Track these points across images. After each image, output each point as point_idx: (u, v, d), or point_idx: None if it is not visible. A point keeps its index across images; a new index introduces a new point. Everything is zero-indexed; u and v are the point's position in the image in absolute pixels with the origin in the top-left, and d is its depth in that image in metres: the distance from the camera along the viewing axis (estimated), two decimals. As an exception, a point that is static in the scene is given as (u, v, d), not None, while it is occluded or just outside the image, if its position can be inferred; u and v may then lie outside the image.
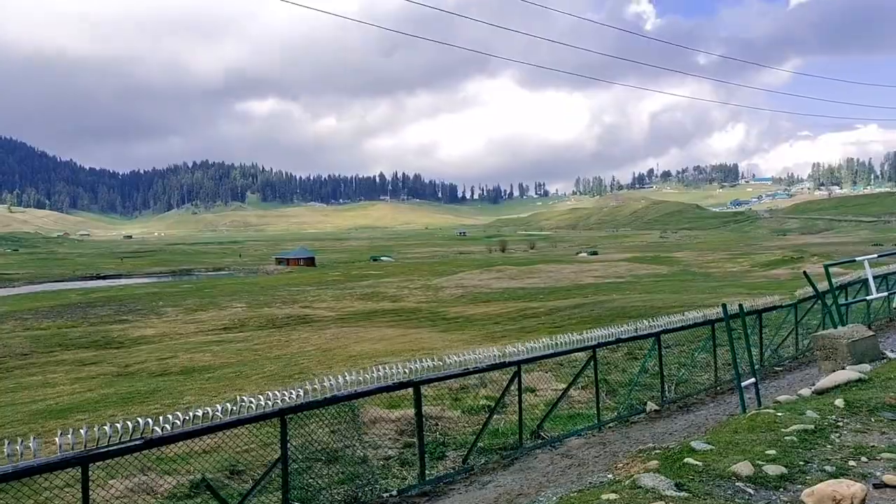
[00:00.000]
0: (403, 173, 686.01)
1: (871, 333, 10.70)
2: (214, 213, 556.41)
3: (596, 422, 11.62)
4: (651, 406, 12.34)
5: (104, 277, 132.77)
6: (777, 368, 15.84)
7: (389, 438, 13.65)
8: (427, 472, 9.88)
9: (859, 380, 7.78)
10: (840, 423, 5.92)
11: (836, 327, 10.51)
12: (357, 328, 38.71)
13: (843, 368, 9.29)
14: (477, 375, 16.14)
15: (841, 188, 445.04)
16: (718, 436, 5.49)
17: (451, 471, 9.54)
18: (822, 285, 14.48)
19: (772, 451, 5.12)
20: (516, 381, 10.87)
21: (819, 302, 13.81)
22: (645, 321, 14.50)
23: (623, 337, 12.38)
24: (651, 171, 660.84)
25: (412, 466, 11.04)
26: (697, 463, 4.86)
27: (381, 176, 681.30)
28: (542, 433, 11.32)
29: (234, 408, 7.75)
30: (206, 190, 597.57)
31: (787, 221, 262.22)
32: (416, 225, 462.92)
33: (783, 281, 58.48)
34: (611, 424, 11.83)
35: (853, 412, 6.27)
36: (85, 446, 6.23)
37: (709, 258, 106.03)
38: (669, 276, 76.86)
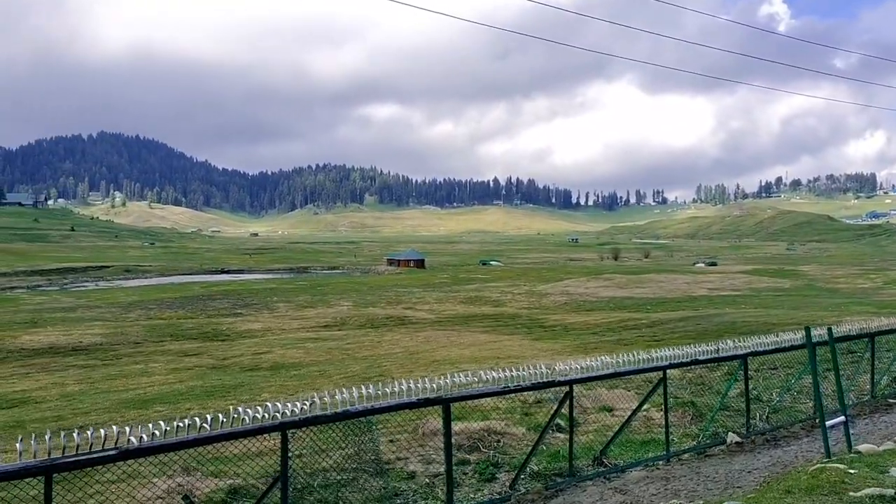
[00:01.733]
0: (517, 178, 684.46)
1: None
2: (334, 213, 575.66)
3: (664, 452, 10.39)
4: (732, 437, 10.97)
5: (228, 272, 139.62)
6: (892, 401, 13.88)
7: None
8: (463, 498, 9.08)
9: None
10: None
11: None
12: (451, 332, 38.28)
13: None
14: (553, 390, 15.14)
15: None
16: (763, 498, 4.39)
17: (485, 500, 8.67)
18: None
19: (828, 527, 4.00)
20: (579, 402, 9.85)
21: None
22: (745, 339, 13.06)
23: (700, 358, 11.07)
24: (779, 179, 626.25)
25: (457, 488, 10.24)
26: (724, 537, 3.85)
27: (495, 181, 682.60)
28: (604, 460, 10.23)
29: (251, 415, 7.26)
30: (327, 191, 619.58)
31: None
32: (529, 230, 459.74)
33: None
34: (684, 456, 10.57)
35: None
36: (76, 450, 5.88)
37: (837, 273, 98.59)
38: (791, 290, 71.85)
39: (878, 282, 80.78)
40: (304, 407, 7.08)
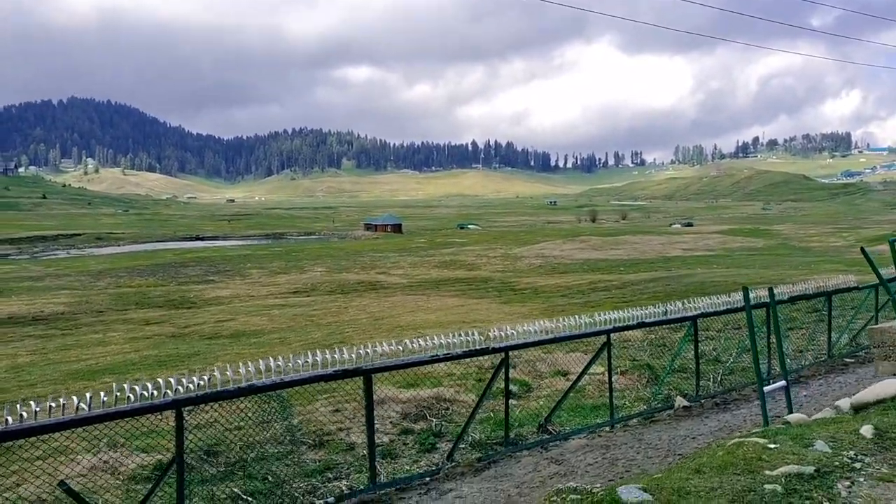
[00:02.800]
0: (495, 141, 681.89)
1: None
2: (311, 178, 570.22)
3: (608, 418, 10.04)
4: (680, 402, 10.65)
5: (202, 239, 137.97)
6: (848, 360, 13.64)
7: (391, 423, 12.47)
8: (399, 470, 8.68)
9: None
10: (858, 465, 4.20)
11: None
12: (421, 297, 37.87)
13: (905, 373, 7.41)
14: (512, 353, 14.72)
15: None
16: (669, 478, 3.96)
17: (420, 471, 8.25)
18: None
19: (732, 514, 3.57)
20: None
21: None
22: (696, 300, 12.69)
23: (647, 321, 10.67)
24: (756, 139, 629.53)
25: (395, 459, 9.83)
26: (610, 526, 3.41)
27: (473, 144, 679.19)
28: (549, 427, 9.87)
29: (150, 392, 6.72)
30: (304, 156, 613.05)
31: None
32: (507, 194, 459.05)
33: (889, 257, 53.55)
34: (633, 421, 10.24)
35: (884, 446, 4.49)
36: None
37: (811, 232, 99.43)
38: (764, 250, 72.25)
39: (850, 240, 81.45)
40: (202, 382, 6.55)
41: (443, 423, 11.91)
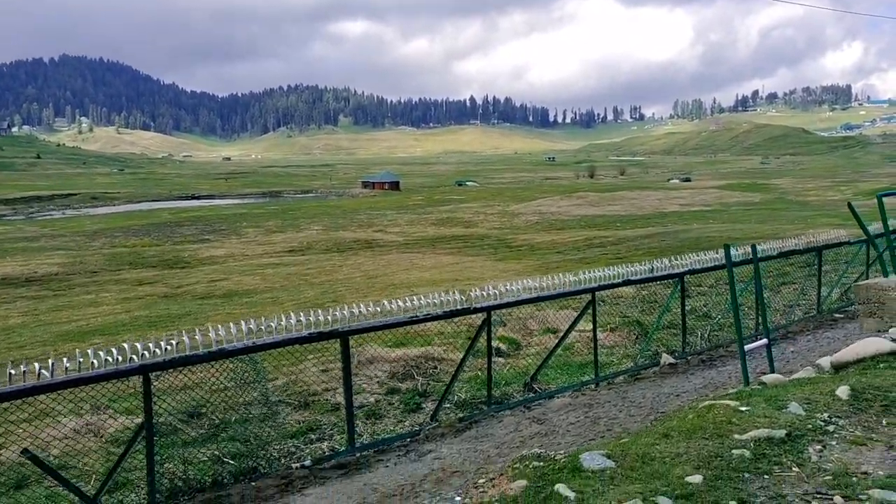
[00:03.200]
0: (494, 97, 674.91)
1: None
2: (308, 136, 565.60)
3: (593, 376, 9.99)
4: (666, 359, 10.59)
5: (198, 198, 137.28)
6: (838, 315, 13.57)
7: (378, 382, 12.44)
8: (381, 431, 8.63)
9: (892, 353, 5.80)
10: (831, 428, 4.09)
11: (886, 275, 8.32)
12: (416, 255, 37.76)
13: (891, 328, 7.28)
14: (500, 312, 14.62)
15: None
16: (635, 443, 3.85)
17: (392, 435, 8.19)
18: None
19: (695, 479, 3.46)
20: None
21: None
22: (682, 257, 12.59)
23: (633, 279, 10.55)
24: (756, 92, 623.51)
25: (379, 419, 9.79)
26: (569, 495, 3.28)
27: (472, 100, 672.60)
28: (535, 385, 9.82)
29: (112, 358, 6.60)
30: (300, 113, 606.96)
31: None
32: (506, 150, 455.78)
33: (888, 210, 53.38)
34: (618, 378, 10.19)
35: (859, 408, 4.38)
36: None
37: (809, 186, 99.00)
38: (761, 204, 71.97)
39: (847, 194, 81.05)
40: (168, 347, 6.42)
41: (430, 382, 11.89)
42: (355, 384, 12.33)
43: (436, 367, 12.92)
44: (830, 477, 3.49)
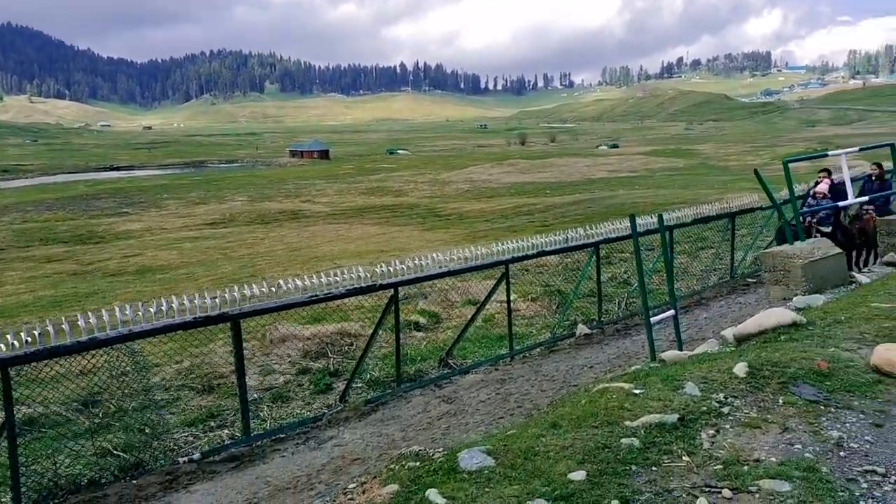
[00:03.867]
0: (425, 63, 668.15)
1: (839, 251, 8.62)
2: (233, 103, 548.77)
3: (508, 350, 9.79)
4: (582, 329, 10.49)
5: (118, 169, 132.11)
6: (750, 280, 13.80)
7: (290, 362, 11.95)
8: (288, 414, 8.22)
9: (794, 324, 5.75)
10: (726, 409, 3.87)
11: (792, 243, 8.34)
12: (343, 226, 37.07)
13: (796, 296, 7.28)
14: (421, 285, 14.25)
15: (877, 77, 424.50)
16: (521, 436, 3.58)
17: (292, 421, 7.79)
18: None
19: (578, 476, 3.22)
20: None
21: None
22: (597, 226, 12.48)
23: (547, 249, 10.36)
24: (680, 59, 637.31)
25: (286, 402, 9.35)
26: (440, 503, 2.98)
27: (402, 66, 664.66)
28: (450, 361, 9.55)
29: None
30: (224, 80, 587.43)
31: (817, 112, 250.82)
32: (438, 117, 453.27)
33: (802, 175, 55.39)
34: (536, 350, 10.02)
35: (756, 386, 4.15)
36: None
37: (730, 151, 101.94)
38: (685, 169, 73.70)
39: (765, 158, 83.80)
40: (28, 340, 5.82)
41: (344, 360, 11.50)
42: (265, 364, 11.84)
43: (352, 345, 12.54)
44: (721, 466, 3.27)
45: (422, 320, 13.61)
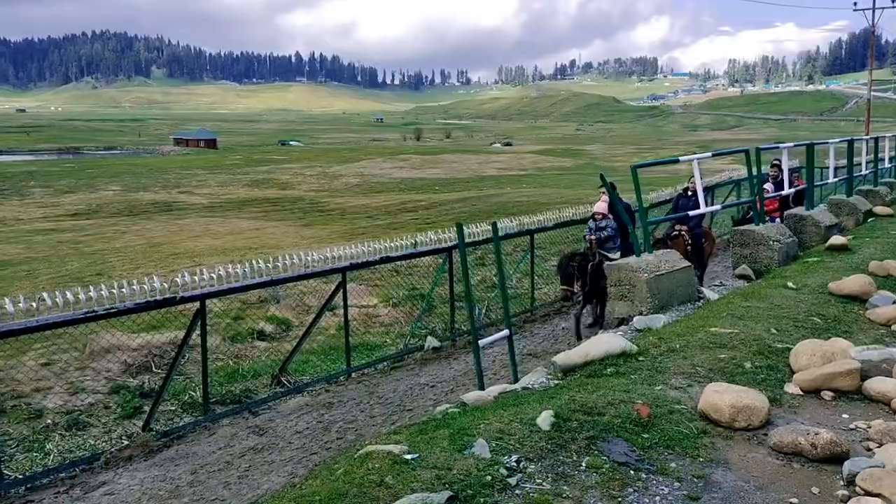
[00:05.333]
0: (321, 54, 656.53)
1: (686, 264, 8.07)
2: (116, 88, 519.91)
3: (345, 367, 8.89)
4: (431, 342, 9.74)
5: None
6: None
7: (105, 378, 10.55)
8: (77, 447, 6.99)
9: (624, 353, 5.06)
10: (514, 480, 3.08)
11: (639, 255, 7.81)
12: (216, 219, 35.05)
13: (639, 314, 6.76)
14: (268, 289, 13.11)
15: (754, 86, 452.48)
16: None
17: (57, 464, 6.55)
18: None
19: None
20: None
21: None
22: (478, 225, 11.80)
23: (392, 255, 9.54)
24: (573, 62, 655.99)
25: (82, 430, 8.03)
26: None
27: (298, 56, 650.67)
28: (284, 378, 8.53)
29: None
30: (107, 63, 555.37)
31: (699, 117, 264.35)
32: (334, 109, 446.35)
33: (683, 176, 57.44)
34: (381, 365, 9.16)
35: (560, 443, 3.40)
36: None
37: (617, 152, 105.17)
38: (572, 169, 75.23)
39: (648, 159, 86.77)
40: None
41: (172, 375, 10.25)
42: (76, 381, 10.42)
43: (185, 356, 11.25)
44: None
45: (268, 328, 12.46)
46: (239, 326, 12.88)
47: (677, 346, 5.14)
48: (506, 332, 6.20)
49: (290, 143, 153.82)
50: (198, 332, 7.85)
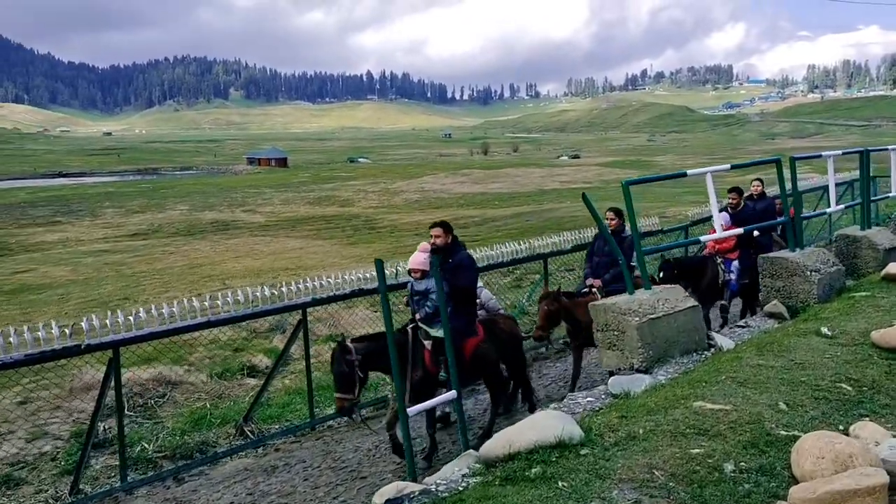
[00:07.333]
0: (391, 72, 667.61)
1: (692, 304, 6.33)
2: (196, 110, 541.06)
3: (309, 419, 7.78)
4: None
5: (66, 175, 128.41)
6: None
7: (73, 420, 9.77)
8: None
9: (559, 444, 3.63)
10: None
11: (631, 292, 6.28)
12: (266, 238, 34.90)
13: (631, 368, 5.40)
14: (275, 317, 12.19)
15: (835, 91, 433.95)
16: None
17: None
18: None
19: None
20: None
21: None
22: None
23: (366, 288, 8.41)
24: (644, 72, 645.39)
25: (16, 488, 7.20)
26: None
27: (369, 74, 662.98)
28: (247, 428, 7.52)
29: None
30: (188, 86, 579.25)
31: (776, 125, 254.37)
32: (403, 126, 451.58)
33: (745, 183, 54.69)
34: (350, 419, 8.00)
35: None
36: None
37: (689, 162, 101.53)
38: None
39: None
40: None
41: (138, 418, 9.43)
42: (46, 422, 9.68)
43: (163, 396, 10.42)
44: None
45: (265, 362, 11.49)
46: (234, 360, 11.98)
47: (641, 430, 3.69)
48: (452, 393, 4.92)
49: (359, 159, 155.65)
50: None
